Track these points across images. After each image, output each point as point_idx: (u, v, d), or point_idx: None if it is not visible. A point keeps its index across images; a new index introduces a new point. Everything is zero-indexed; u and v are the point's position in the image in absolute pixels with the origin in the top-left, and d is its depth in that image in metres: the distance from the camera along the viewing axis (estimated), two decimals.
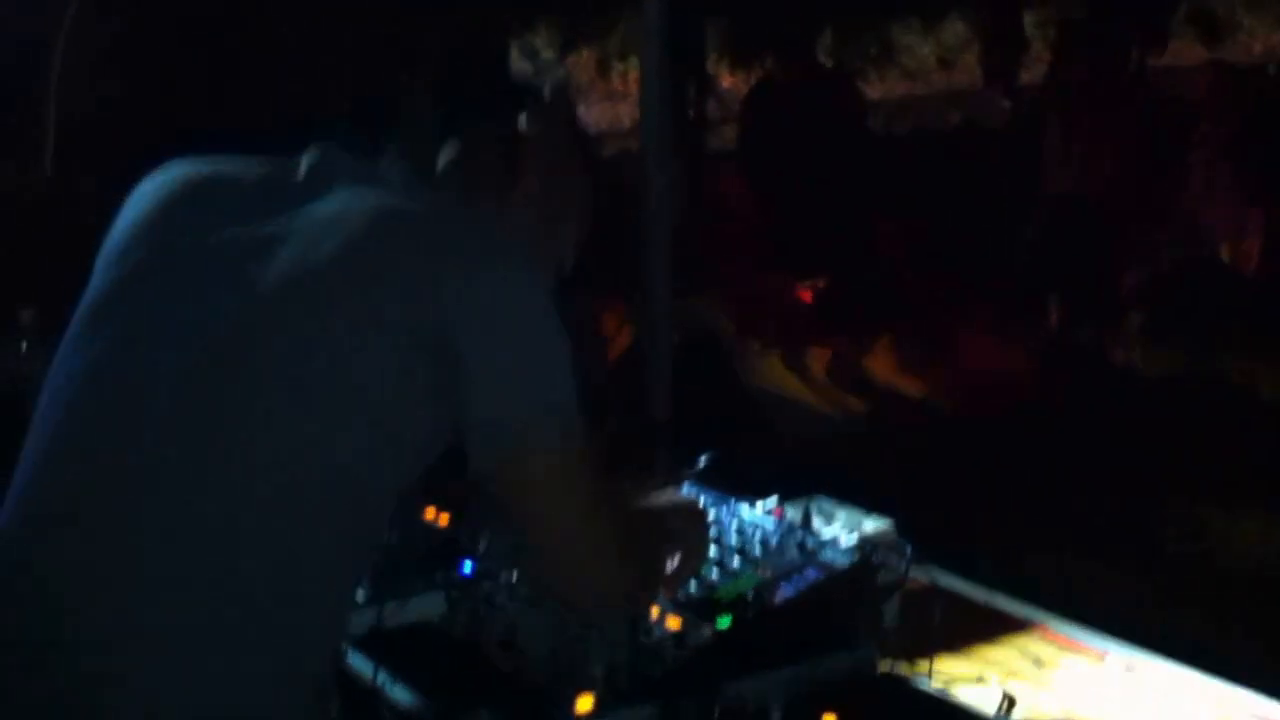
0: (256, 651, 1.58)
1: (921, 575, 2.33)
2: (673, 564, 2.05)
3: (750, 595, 2.11)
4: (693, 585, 2.12)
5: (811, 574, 2.14)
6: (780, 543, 2.23)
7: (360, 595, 2.19)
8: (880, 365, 5.42)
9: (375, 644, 2.09)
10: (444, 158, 1.83)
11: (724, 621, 2.06)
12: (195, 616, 1.56)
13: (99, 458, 1.62)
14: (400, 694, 1.98)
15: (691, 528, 2.09)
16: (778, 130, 6.81)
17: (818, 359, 5.26)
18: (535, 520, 1.73)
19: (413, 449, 1.68)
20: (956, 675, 2.15)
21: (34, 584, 1.59)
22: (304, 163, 1.79)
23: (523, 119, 1.86)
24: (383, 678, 2.01)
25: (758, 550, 2.22)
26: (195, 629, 1.56)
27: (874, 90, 7.80)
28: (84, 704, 1.54)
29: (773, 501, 2.38)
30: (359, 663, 2.05)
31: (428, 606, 2.19)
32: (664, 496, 2.19)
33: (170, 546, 1.57)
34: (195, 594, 1.56)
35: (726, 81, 8.43)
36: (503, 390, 1.65)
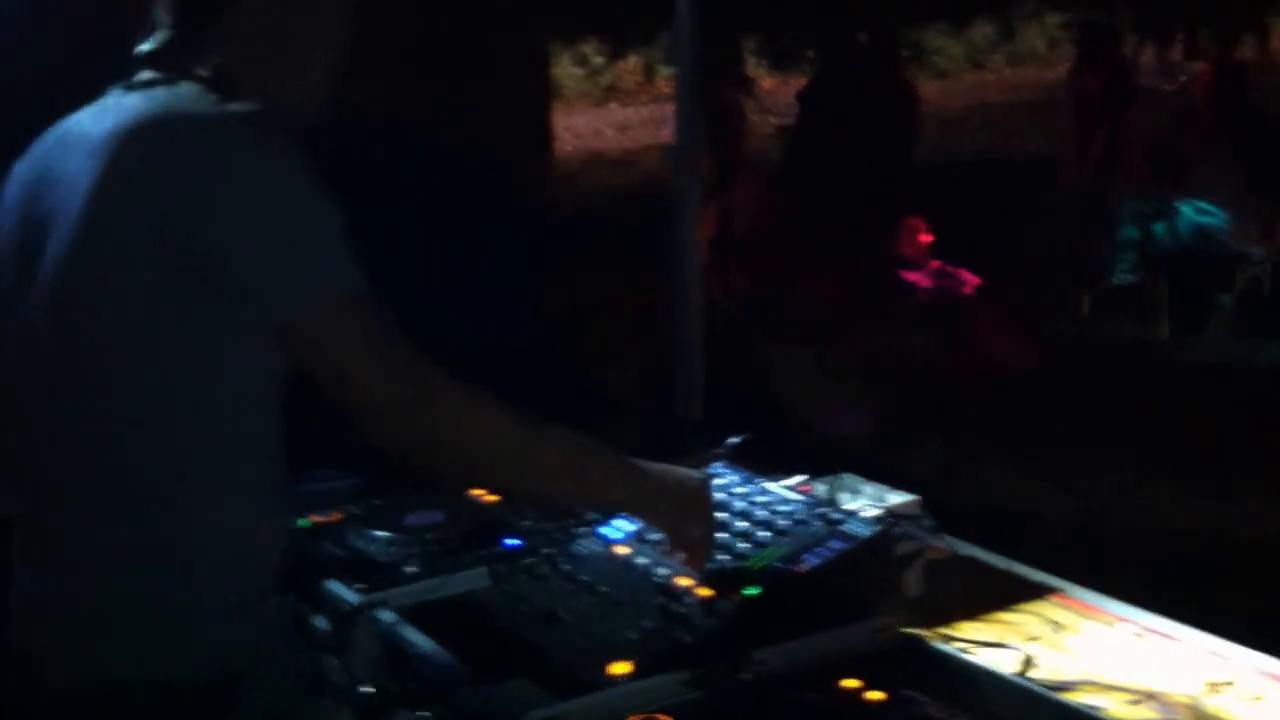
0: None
1: (944, 545, 2.41)
2: (680, 556, 2.19)
3: (777, 566, 2.21)
4: (722, 557, 2.23)
5: (835, 545, 2.24)
6: (806, 516, 2.33)
7: (411, 569, 2.32)
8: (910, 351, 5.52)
9: (423, 615, 2.21)
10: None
11: (752, 591, 2.17)
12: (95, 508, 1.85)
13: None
14: (445, 663, 2.09)
15: (690, 519, 2.16)
16: (824, 125, 6.91)
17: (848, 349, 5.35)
18: (335, 371, 1.82)
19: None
20: (977, 640, 2.23)
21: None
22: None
23: None
24: (430, 648, 2.13)
25: (784, 524, 2.32)
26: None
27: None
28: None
29: (800, 479, 2.49)
30: (408, 633, 2.17)
31: (472, 580, 2.31)
32: (669, 474, 2.20)
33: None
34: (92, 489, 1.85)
35: (766, 84, 8.53)
36: (265, 262, 1.78)
